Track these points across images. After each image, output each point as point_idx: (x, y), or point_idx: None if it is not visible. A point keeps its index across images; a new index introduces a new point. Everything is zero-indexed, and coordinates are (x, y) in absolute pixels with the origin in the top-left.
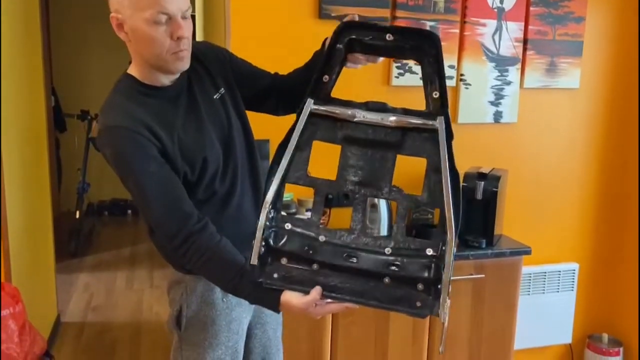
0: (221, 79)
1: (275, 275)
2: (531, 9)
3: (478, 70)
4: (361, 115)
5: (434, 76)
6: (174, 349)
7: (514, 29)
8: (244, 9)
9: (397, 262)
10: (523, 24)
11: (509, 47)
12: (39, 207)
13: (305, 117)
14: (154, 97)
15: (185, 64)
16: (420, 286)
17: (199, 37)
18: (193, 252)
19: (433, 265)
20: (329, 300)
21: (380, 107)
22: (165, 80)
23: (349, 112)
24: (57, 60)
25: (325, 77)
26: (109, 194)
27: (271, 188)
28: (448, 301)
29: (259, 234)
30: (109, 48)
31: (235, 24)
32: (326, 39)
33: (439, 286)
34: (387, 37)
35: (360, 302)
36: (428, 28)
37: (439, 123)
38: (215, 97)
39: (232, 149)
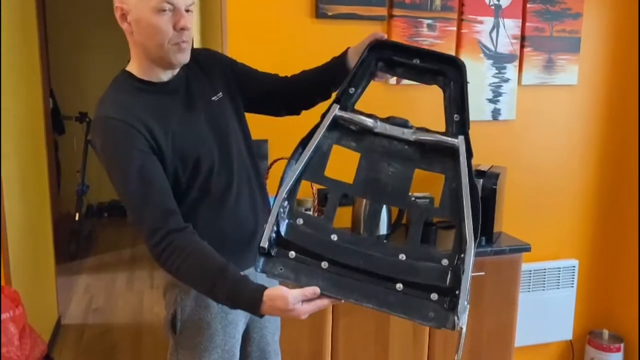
0: (220, 84)
1: (281, 269)
2: (528, 5)
3: (476, 67)
4: (383, 127)
5: (458, 102)
6: (169, 352)
7: (511, 26)
8: (240, 8)
9: (412, 269)
10: (520, 20)
11: (506, 44)
12: (39, 209)
13: (329, 121)
14: (150, 93)
15: (185, 57)
16: (434, 296)
17: (196, 36)
18: (172, 249)
19: (449, 274)
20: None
21: (402, 123)
22: (164, 76)
23: (371, 122)
24: (55, 62)
25: (352, 89)
26: (108, 196)
27: (286, 181)
28: (467, 306)
29: (272, 218)
30: (107, 50)
31: (231, 23)
32: (348, 48)
33: (455, 297)
34: (414, 62)
35: (370, 305)
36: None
37: (459, 142)
38: (213, 98)
39: (229, 151)
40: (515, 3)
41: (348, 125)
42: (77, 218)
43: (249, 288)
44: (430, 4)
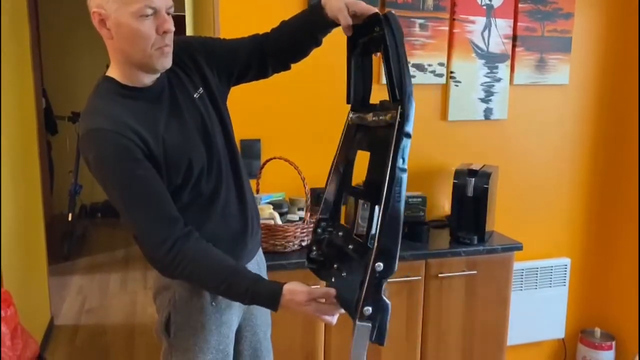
0: (198, 78)
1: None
2: (520, 5)
3: (468, 67)
4: (358, 119)
5: (390, 61)
6: (163, 355)
7: (503, 25)
8: (232, 7)
9: (354, 263)
10: (512, 20)
11: (498, 44)
12: (31, 210)
13: (345, 130)
14: (135, 99)
15: (169, 61)
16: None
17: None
18: (182, 256)
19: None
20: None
21: (376, 107)
22: (147, 80)
23: (358, 116)
24: (48, 62)
25: (357, 85)
26: (101, 196)
27: (323, 202)
28: (366, 324)
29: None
30: (99, 49)
31: (224, 22)
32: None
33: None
34: (376, 32)
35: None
36: (386, 14)
37: (393, 116)
38: (195, 95)
39: (214, 148)
40: (507, 3)
41: (356, 127)
42: (70, 218)
43: (267, 283)
44: (422, 3)
